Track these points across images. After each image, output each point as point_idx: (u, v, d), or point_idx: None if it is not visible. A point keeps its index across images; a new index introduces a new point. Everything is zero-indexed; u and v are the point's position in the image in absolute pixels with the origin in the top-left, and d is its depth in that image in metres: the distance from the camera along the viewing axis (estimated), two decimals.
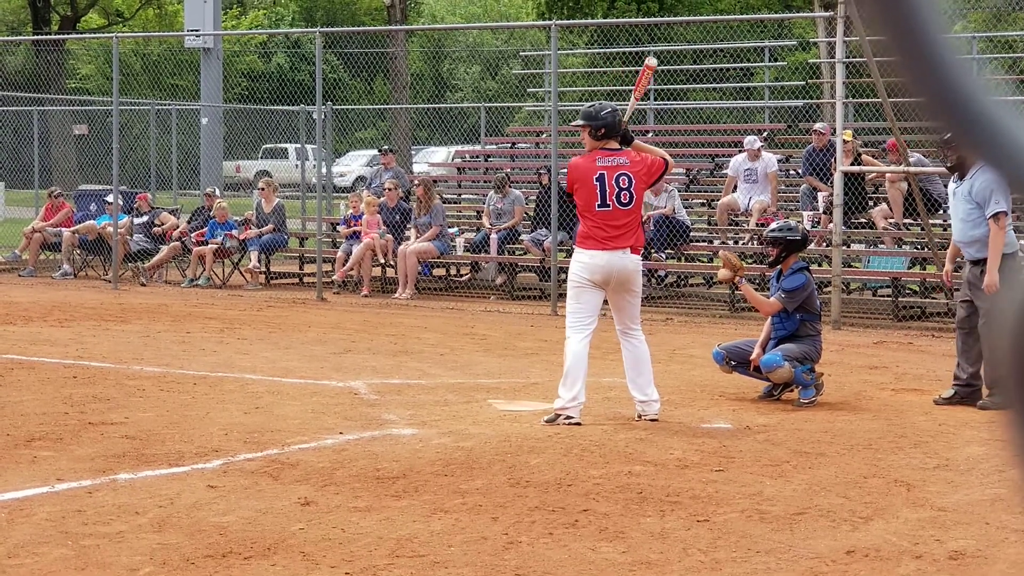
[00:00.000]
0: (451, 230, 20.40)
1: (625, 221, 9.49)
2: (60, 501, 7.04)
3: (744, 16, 34.05)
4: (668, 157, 9.86)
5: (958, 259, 10.97)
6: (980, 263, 10.31)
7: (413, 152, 34.94)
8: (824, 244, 17.44)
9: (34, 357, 12.57)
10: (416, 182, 20.30)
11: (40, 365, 12.07)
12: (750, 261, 17.60)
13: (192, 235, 21.35)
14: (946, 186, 11.01)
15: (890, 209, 18.11)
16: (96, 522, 6.59)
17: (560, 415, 9.38)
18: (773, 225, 11.35)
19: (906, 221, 17.94)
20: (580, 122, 9.71)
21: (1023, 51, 26.04)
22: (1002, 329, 0.94)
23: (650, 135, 24.22)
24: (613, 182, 9.46)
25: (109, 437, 8.75)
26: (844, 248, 16.87)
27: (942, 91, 0.97)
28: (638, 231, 9.65)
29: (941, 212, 17.11)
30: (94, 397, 10.30)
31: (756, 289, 12.06)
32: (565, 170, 10.31)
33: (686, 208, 19.61)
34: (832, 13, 18.04)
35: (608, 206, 9.45)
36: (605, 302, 9.70)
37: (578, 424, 9.31)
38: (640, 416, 9.55)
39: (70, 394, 10.42)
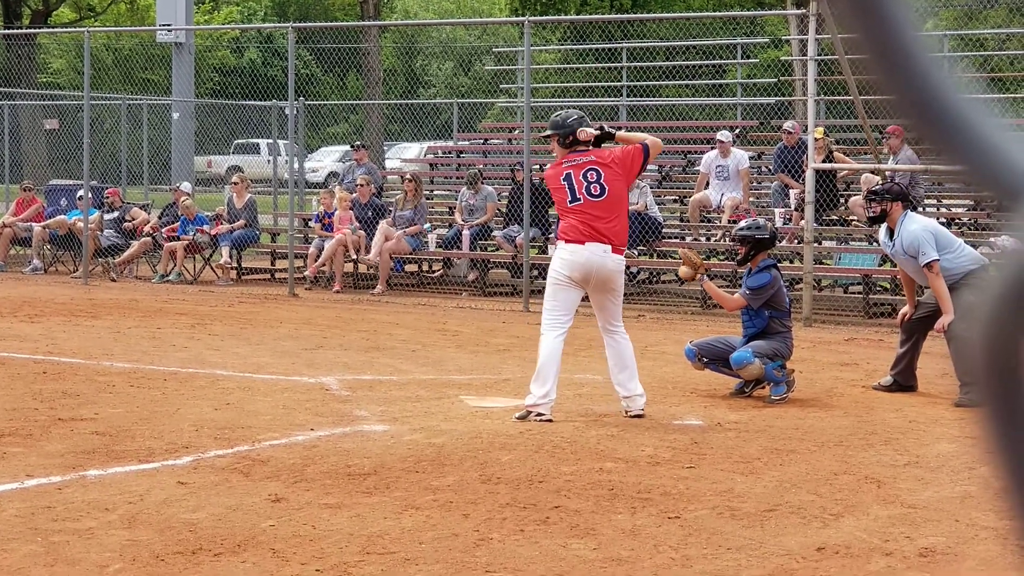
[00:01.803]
0: (424, 226, 20.40)
1: (601, 213, 9.51)
2: (29, 497, 7.00)
3: (717, 13, 34.17)
4: (649, 139, 9.94)
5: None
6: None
7: (386, 148, 34.90)
8: (796, 241, 17.48)
9: (4, 353, 12.50)
10: (408, 176, 20.43)
11: (10, 361, 12.00)
12: (722, 258, 17.62)
13: (163, 230, 21.26)
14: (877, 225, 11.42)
15: None
16: (66, 518, 6.56)
17: (531, 411, 9.39)
18: (742, 224, 11.39)
19: None
20: (548, 132, 9.90)
21: (994, 49, 26.16)
22: (973, 328, 0.94)
23: (621, 131, 24.22)
24: (580, 177, 9.58)
25: (79, 433, 8.70)
26: (815, 245, 16.92)
27: (913, 89, 0.97)
28: (620, 228, 9.61)
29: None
30: (64, 393, 10.25)
31: (727, 286, 12.10)
32: (538, 166, 10.37)
33: (658, 205, 19.64)
34: (804, 11, 18.11)
35: (579, 200, 9.53)
36: (584, 298, 9.74)
37: (549, 421, 9.31)
38: (626, 412, 9.59)
39: (40, 390, 10.36)
